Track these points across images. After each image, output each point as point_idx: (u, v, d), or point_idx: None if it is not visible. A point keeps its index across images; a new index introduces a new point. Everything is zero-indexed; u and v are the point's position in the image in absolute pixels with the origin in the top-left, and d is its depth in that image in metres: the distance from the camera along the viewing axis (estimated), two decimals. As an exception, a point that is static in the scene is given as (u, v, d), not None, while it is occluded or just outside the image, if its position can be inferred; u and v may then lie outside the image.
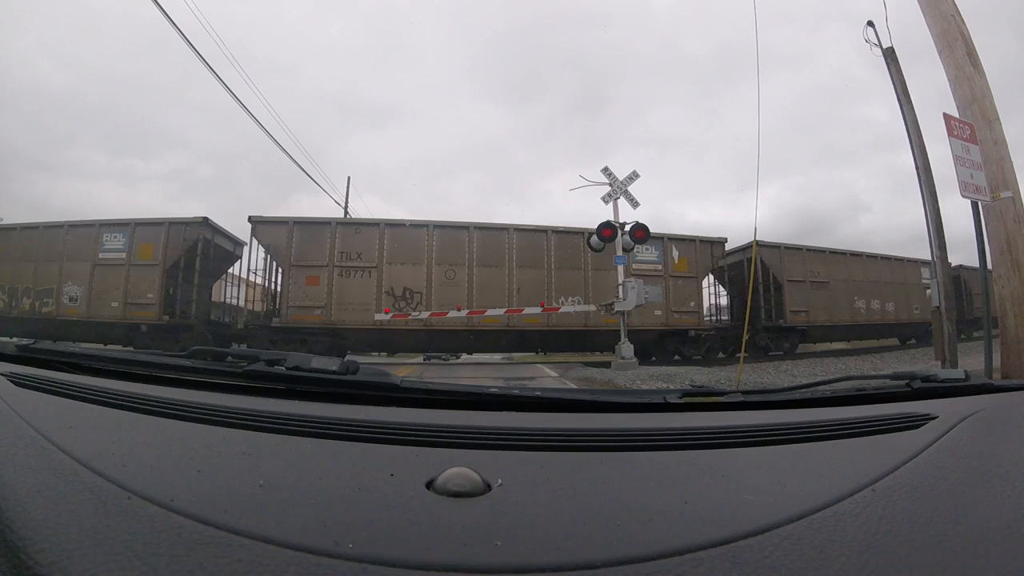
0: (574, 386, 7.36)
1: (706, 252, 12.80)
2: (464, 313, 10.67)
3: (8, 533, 0.39)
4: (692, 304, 12.43)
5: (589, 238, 10.39)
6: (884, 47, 6.64)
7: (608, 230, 9.69)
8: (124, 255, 10.88)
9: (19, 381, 0.85)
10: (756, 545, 0.39)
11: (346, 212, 19.17)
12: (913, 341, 17.13)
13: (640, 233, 9.62)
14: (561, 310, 11.00)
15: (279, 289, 10.97)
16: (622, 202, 10.07)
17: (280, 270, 10.97)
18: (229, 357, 0.95)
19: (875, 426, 0.71)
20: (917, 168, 6.39)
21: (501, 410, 0.79)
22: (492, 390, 0.84)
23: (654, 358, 11.98)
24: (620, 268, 9.87)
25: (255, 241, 11.05)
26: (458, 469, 0.49)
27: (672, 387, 3.29)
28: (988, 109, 5.65)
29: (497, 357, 15.73)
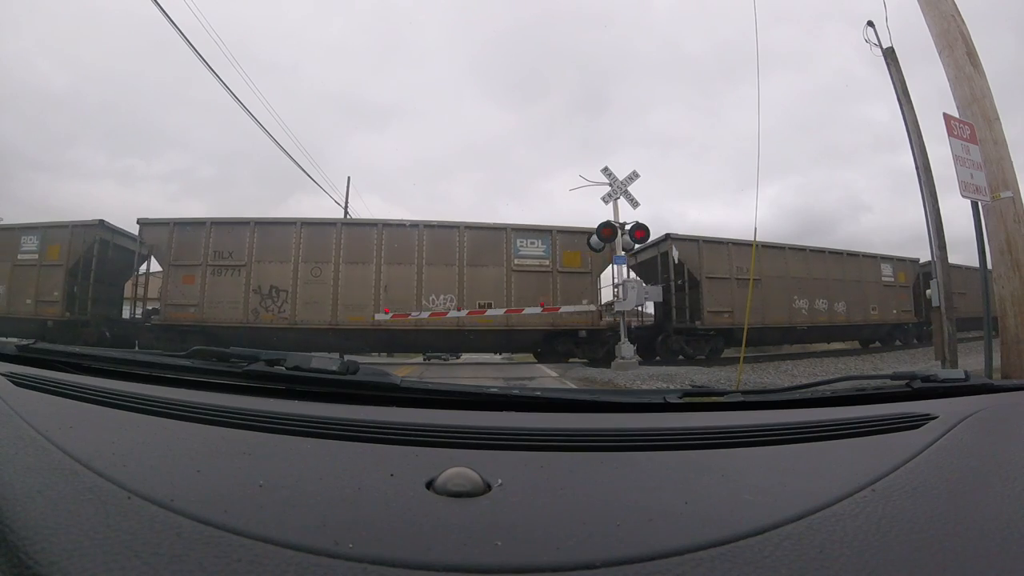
0: (574, 386, 7.37)
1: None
2: (464, 313, 10.68)
3: (8, 533, 0.39)
4: (585, 302, 11.41)
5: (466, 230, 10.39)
6: (884, 47, 6.65)
7: (608, 230, 9.69)
8: (36, 256, 11.57)
9: (19, 381, 0.85)
10: (756, 545, 0.39)
11: (346, 212, 19.17)
12: (877, 344, 16.30)
13: (640, 233, 9.63)
14: (561, 310, 11.00)
15: (160, 288, 11.37)
16: (622, 202, 10.09)
17: (162, 269, 11.30)
18: (229, 357, 0.95)
19: (875, 426, 0.71)
20: (917, 168, 6.39)
21: (501, 410, 0.79)
22: (492, 390, 0.84)
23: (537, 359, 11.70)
24: (620, 268, 9.87)
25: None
26: (458, 469, 0.49)
27: (672, 387, 3.29)
28: (988, 109, 5.65)
29: (497, 357, 15.72)
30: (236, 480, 0.50)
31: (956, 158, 5.34)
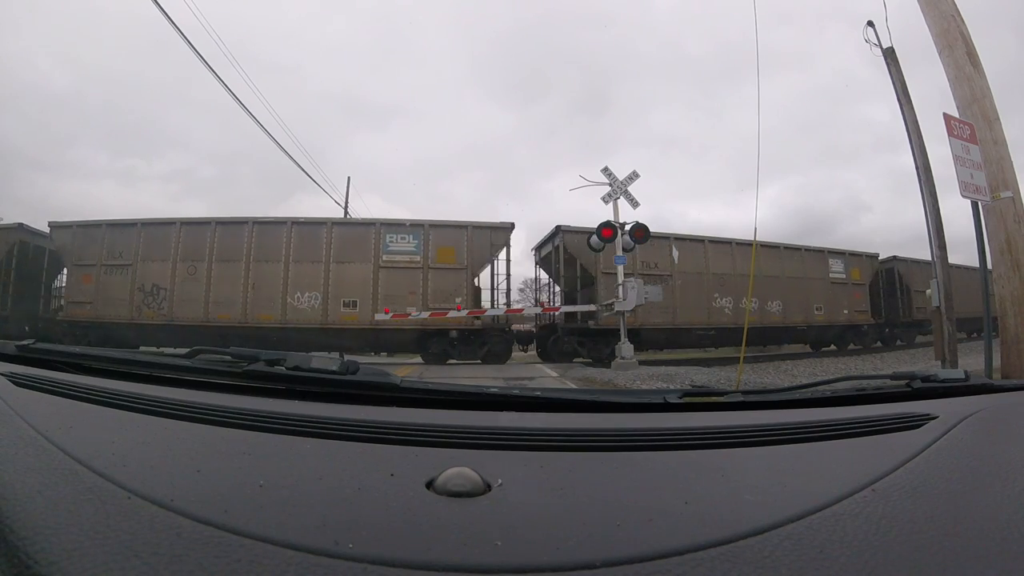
0: (574, 386, 7.37)
1: (484, 240, 11.35)
2: (464, 313, 10.67)
3: (8, 533, 0.39)
4: (458, 300, 10.99)
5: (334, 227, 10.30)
6: (884, 47, 6.64)
7: (608, 230, 9.69)
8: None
9: (19, 381, 0.85)
10: (756, 545, 0.39)
11: (346, 212, 19.17)
12: (834, 347, 15.05)
13: (640, 233, 9.62)
14: (561, 310, 10.99)
15: (64, 287, 12.11)
16: (622, 202, 10.08)
17: (66, 269, 12.03)
18: (229, 357, 0.95)
19: (875, 426, 0.71)
20: (917, 168, 6.39)
21: (501, 410, 0.79)
22: (492, 390, 0.84)
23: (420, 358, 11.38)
24: (620, 268, 9.86)
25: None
26: (458, 469, 0.49)
27: (672, 387, 3.29)
28: (988, 109, 5.65)
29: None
30: (236, 480, 0.50)
31: (956, 158, 5.34)
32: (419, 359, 11.51)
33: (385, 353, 12.93)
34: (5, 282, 12.28)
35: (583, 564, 0.37)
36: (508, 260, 11.99)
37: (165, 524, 0.40)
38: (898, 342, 16.77)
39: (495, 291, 12.20)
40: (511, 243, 11.91)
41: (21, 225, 12.67)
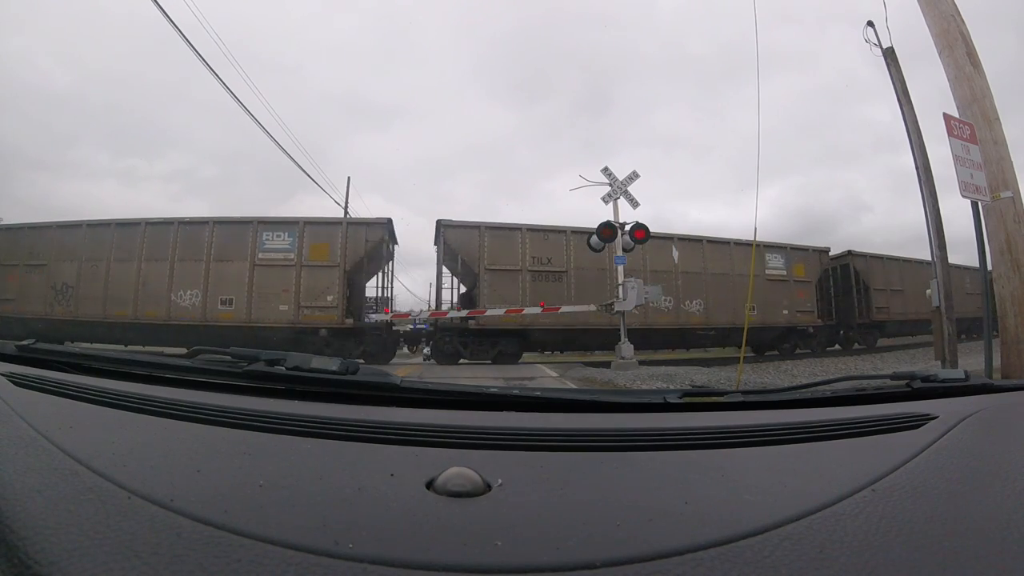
0: (574, 386, 7.37)
1: (357, 237, 11.28)
2: (464, 313, 10.68)
3: (8, 533, 0.39)
4: (330, 299, 10.92)
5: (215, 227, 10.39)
6: (884, 47, 6.64)
7: (608, 230, 9.69)
8: None
9: (19, 381, 0.85)
10: (756, 545, 0.39)
11: (346, 212, 19.16)
12: (753, 353, 13.56)
13: (640, 233, 9.62)
14: (562, 310, 10.99)
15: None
16: (622, 202, 10.08)
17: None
18: (229, 357, 0.95)
19: (875, 426, 0.71)
20: (917, 168, 6.39)
21: (501, 410, 0.79)
22: (492, 390, 0.84)
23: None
24: (620, 268, 9.86)
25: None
26: (458, 469, 0.49)
27: (672, 387, 3.29)
28: (988, 109, 5.65)
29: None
30: (236, 480, 0.50)
31: (956, 158, 5.34)
32: (419, 359, 11.51)
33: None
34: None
35: (583, 564, 0.37)
36: (391, 257, 11.84)
37: (165, 524, 0.40)
38: (856, 345, 15.68)
39: (381, 290, 12.17)
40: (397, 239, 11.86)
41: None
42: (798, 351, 14.06)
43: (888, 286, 15.78)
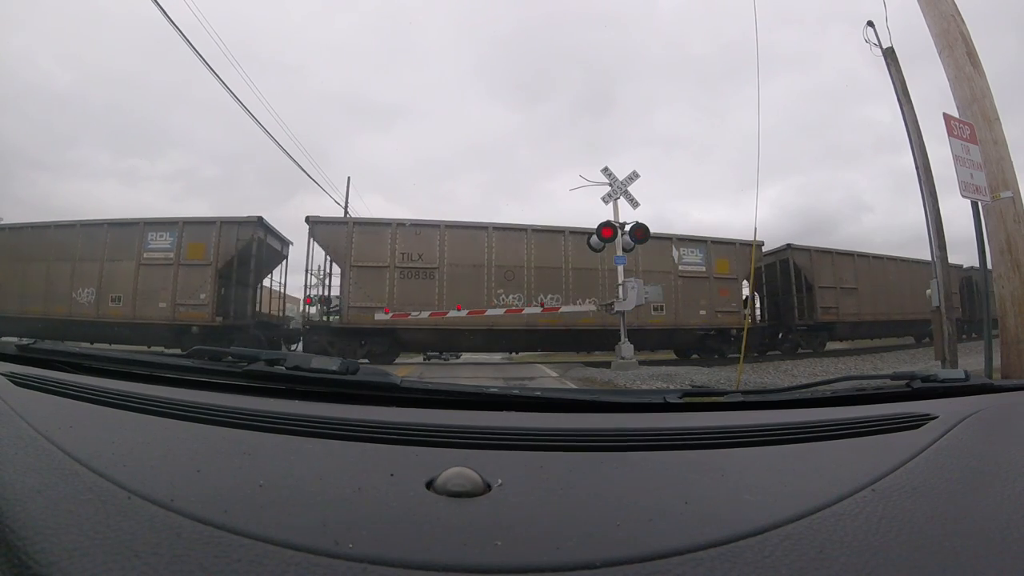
0: (574, 386, 7.37)
1: (229, 236, 11.40)
2: (465, 313, 10.66)
3: (8, 533, 0.39)
4: (203, 296, 11.00)
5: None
6: (884, 47, 6.65)
7: (608, 230, 9.69)
8: None
9: (19, 381, 0.85)
10: (756, 545, 0.39)
11: (346, 212, 19.17)
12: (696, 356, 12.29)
13: (640, 233, 9.62)
14: (562, 310, 10.97)
15: None
16: (622, 202, 10.08)
17: None
18: (229, 357, 0.95)
19: (875, 426, 0.71)
20: (917, 168, 6.39)
21: (501, 410, 0.79)
22: (492, 390, 0.84)
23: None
24: (620, 268, 9.86)
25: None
26: (458, 469, 0.49)
27: (672, 387, 3.29)
28: (988, 109, 5.65)
29: (496, 357, 15.61)
30: (236, 480, 0.50)
31: (956, 158, 5.34)
32: (419, 359, 11.48)
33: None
34: None
35: (583, 564, 0.37)
36: (256, 255, 11.80)
37: (165, 524, 0.40)
38: (800, 349, 14.11)
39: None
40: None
41: None
42: (730, 355, 12.06)
43: (838, 284, 14.21)
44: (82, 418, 0.68)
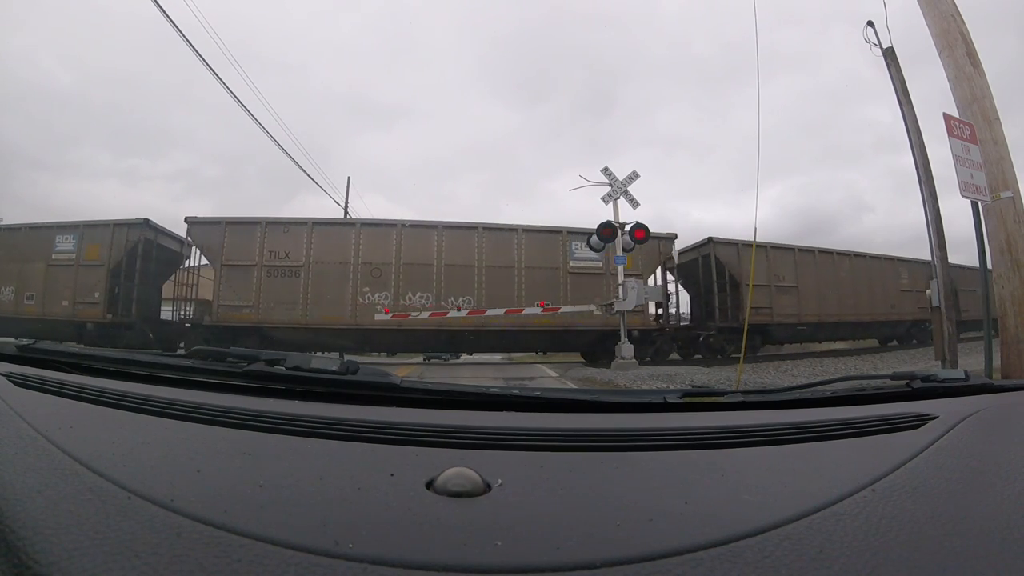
0: (574, 386, 7.37)
1: (119, 238, 11.68)
2: (465, 312, 10.65)
3: (8, 533, 0.39)
4: (97, 295, 11.28)
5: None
6: (884, 47, 6.65)
7: (608, 230, 9.69)
8: None
9: (19, 381, 0.85)
10: (756, 545, 0.39)
11: (346, 212, 19.19)
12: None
13: (640, 233, 9.61)
14: (562, 310, 10.96)
15: None
16: (622, 202, 10.08)
17: None
18: (229, 357, 0.95)
19: (875, 426, 0.71)
20: (917, 168, 6.39)
21: (501, 410, 0.79)
22: (492, 390, 0.84)
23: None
24: (620, 268, 9.86)
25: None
26: (458, 469, 0.49)
27: (672, 387, 3.29)
28: (988, 109, 5.65)
29: (497, 357, 15.56)
30: (236, 480, 0.50)
31: (956, 158, 5.34)
32: (420, 359, 11.46)
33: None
34: None
35: (583, 564, 0.37)
36: (143, 256, 12.01)
37: (165, 524, 0.40)
38: (718, 356, 12.23)
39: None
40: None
41: None
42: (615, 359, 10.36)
43: (772, 281, 12.58)
44: (82, 418, 0.68)
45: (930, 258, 6.35)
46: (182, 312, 11.62)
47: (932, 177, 6.31)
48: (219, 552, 0.37)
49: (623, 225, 9.80)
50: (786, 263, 13.15)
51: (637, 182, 10.14)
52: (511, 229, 11.40)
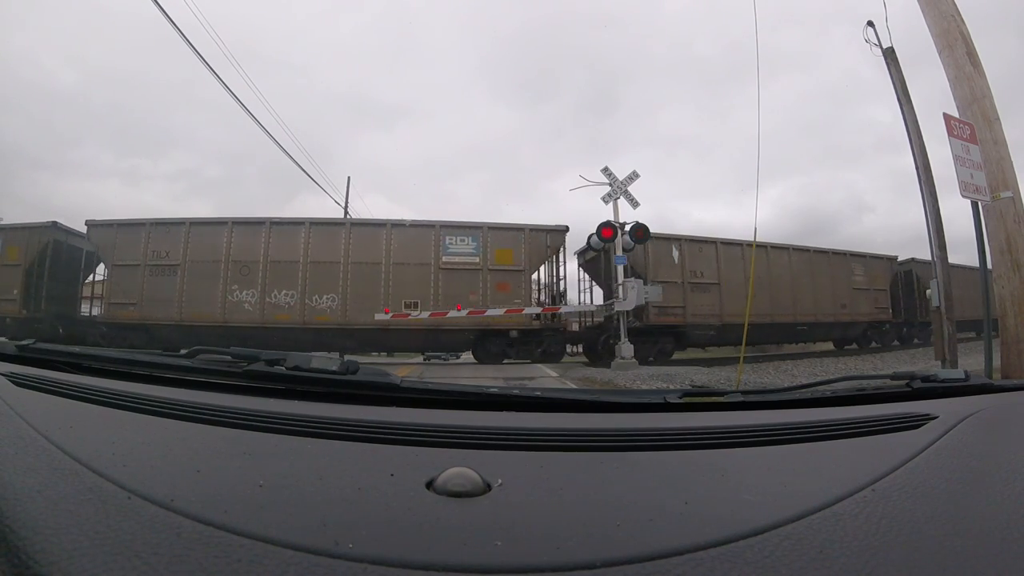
0: (574, 386, 7.37)
1: (34, 238, 11.92)
2: (465, 313, 10.64)
3: (8, 533, 0.39)
4: (15, 292, 11.62)
5: None
6: (884, 47, 6.65)
7: (608, 230, 9.70)
8: None
9: (19, 381, 0.85)
10: (756, 545, 0.39)
11: (346, 212, 19.18)
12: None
13: (640, 233, 9.64)
14: (561, 310, 10.96)
15: None
16: (623, 202, 10.08)
17: None
18: (229, 357, 0.95)
19: (875, 426, 0.71)
20: (917, 168, 6.39)
21: (501, 410, 0.79)
22: (492, 390, 0.84)
23: None
24: (620, 268, 9.86)
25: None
26: (458, 469, 0.49)
27: (672, 387, 3.29)
28: (988, 109, 5.65)
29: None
30: (236, 480, 0.50)
31: (956, 158, 5.34)
32: (419, 359, 11.46)
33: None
34: None
35: (583, 564, 0.37)
36: (52, 256, 12.24)
37: (165, 524, 0.40)
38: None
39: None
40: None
41: None
42: (506, 360, 10.81)
43: (687, 278, 11.68)
44: (82, 418, 0.68)
45: (929, 257, 6.35)
46: (94, 310, 12.12)
47: (932, 177, 6.32)
48: (219, 552, 0.37)
49: (623, 225, 9.80)
50: (705, 258, 12.07)
51: (638, 182, 10.16)
52: (380, 224, 11.14)
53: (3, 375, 0.87)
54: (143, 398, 0.75)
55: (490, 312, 10.53)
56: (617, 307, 9.61)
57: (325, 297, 10.61)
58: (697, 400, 0.89)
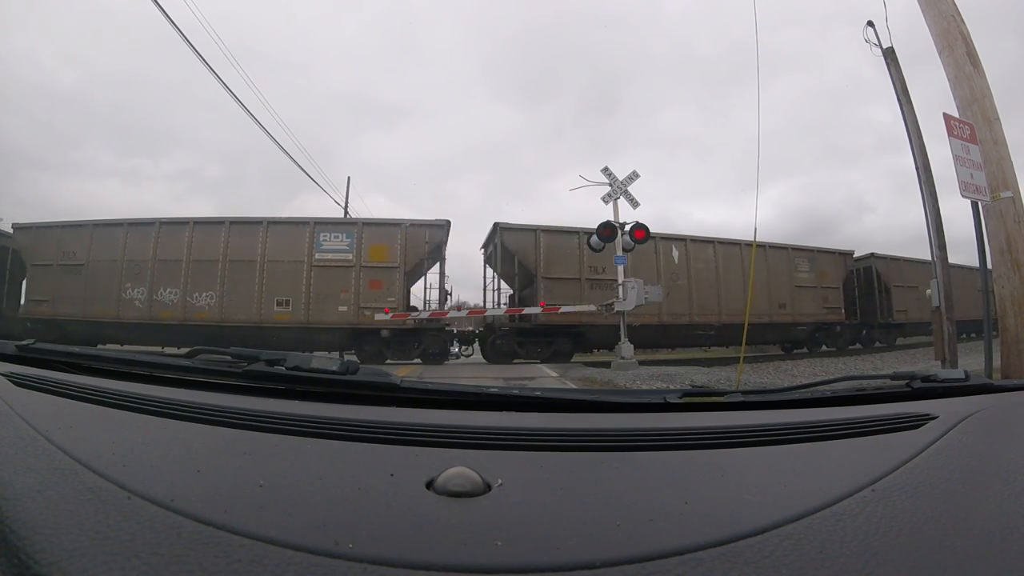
0: (574, 386, 7.36)
1: None
2: (464, 313, 10.66)
3: (8, 533, 0.39)
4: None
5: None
6: (884, 47, 6.64)
7: (608, 230, 9.69)
8: None
9: (19, 381, 0.85)
10: (756, 545, 0.39)
11: (346, 212, 19.18)
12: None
13: (640, 233, 9.61)
14: (562, 310, 10.96)
15: None
16: (623, 202, 10.08)
17: None
18: (229, 357, 0.95)
19: (875, 426, 0.71)
20: (917, 168, 6.39)
21: (501, 410, 0.79)
22: (492, 390, 0.84)
23: None
24: (620, 268, 9.85)
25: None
26: (458, 469, 0.49)
27: (672, 387, 3.29)
28: (988, 109, 5.65)
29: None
30: (236, 480, 0.50)
31: (956, 158, 5.34)
32: (419, 359, 11.47)
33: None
34: None
35: (583, 564, 0.37)
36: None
37: (165, 524, 0.40)
38: (514, 360, 11.01)
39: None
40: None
41: None
42: (388, 360, 10.53)
43: (584, 275, 10.97)
44: (82, 418, 0.68)
45: (930, 257, 6.34)
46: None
47: (932, 177, 6.31)
48: (219, 552, 0.37)
49: (623, 225, 9.80)
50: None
51: (638, 182, 10.14)
52: (257, 222, 11.04)
53: (3, 375, 0.87)
54: (143, 398, 0.75)
55: (491, 312, 10.52)
56: (617, 307, 9.60)
57: (204, 295, 10.73)
58: (697, 400, 0.89)
